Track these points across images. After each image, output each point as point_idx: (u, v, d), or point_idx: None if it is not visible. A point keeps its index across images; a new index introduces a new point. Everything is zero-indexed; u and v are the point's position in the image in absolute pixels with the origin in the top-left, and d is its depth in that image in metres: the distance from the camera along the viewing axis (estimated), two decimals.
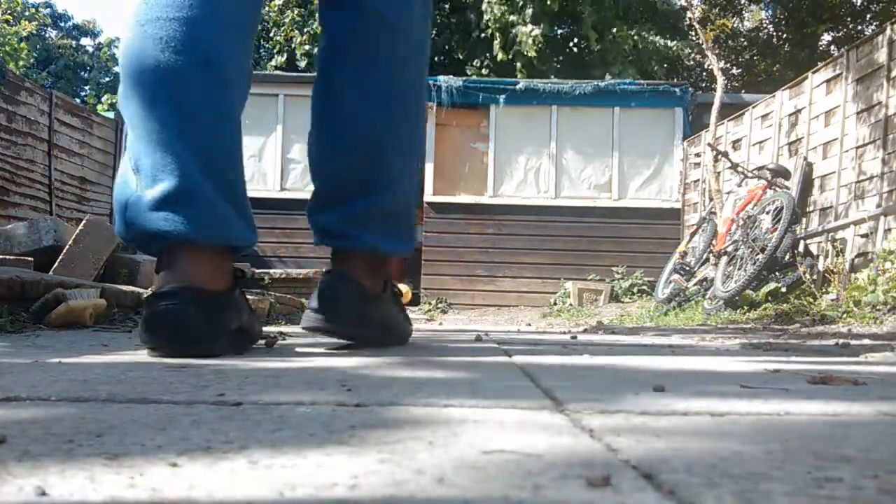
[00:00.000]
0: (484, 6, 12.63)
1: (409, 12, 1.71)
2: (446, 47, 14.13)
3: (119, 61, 1.57)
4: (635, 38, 12.21)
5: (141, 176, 1.47)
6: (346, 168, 1.75)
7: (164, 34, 1.46)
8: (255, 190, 9.43)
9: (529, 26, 12.00)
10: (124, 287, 3.47)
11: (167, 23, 1.46)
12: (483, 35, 12.99)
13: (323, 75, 1.78)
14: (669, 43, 12.37)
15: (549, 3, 12.00)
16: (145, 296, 1.74)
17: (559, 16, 12.87)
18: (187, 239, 1.44)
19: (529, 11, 12.06)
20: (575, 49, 13.82)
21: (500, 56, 12.29)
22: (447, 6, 14.24)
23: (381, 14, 1.68)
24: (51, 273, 3.40)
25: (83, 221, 3.81)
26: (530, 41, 11.91)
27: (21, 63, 13.83)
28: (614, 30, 12.33)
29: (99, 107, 18.89)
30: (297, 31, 14.58)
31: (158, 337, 1.43)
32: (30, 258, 3.55)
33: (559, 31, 13.94)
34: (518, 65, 12.31)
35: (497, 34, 12.36)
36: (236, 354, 1.52)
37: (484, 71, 13.22)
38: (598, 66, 12.57)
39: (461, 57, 13.94)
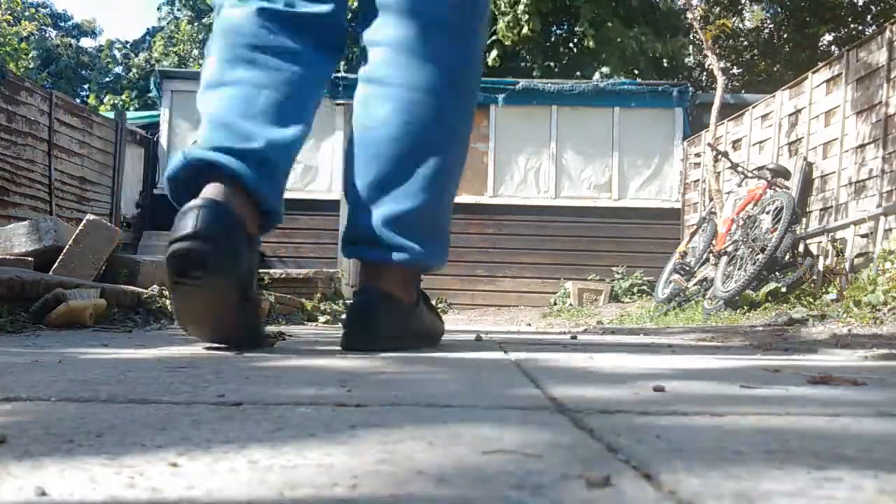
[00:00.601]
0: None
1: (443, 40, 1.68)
2: None
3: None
4: (632, 38, 12.19)
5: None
6: (393, 171, 1.68)
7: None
8: None
9: (520, 18, 11.95)
10: (124, 287, 3.47)
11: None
12: None
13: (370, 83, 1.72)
14: (667, 44, 12.35)
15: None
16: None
17: (555, 13, 12.83)
18: None
19: (521, 7, 12.00)
20: (571, 47, 13.81)
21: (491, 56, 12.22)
22: None
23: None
24: (51, 273, 3.40)
25: (83, 221, 3.81)
26: (510, 33, 11.83)
27: (22, 63, 13.83)
28: (609, 24, 12.31)
29: (101, 108, 18.88)
30: None
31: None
32: (30, 258, 3.55)
33: (558, 31, 13.93)
34: (494, 53, 12.18)
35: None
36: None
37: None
38: (589, 65, 12.55)
39: None
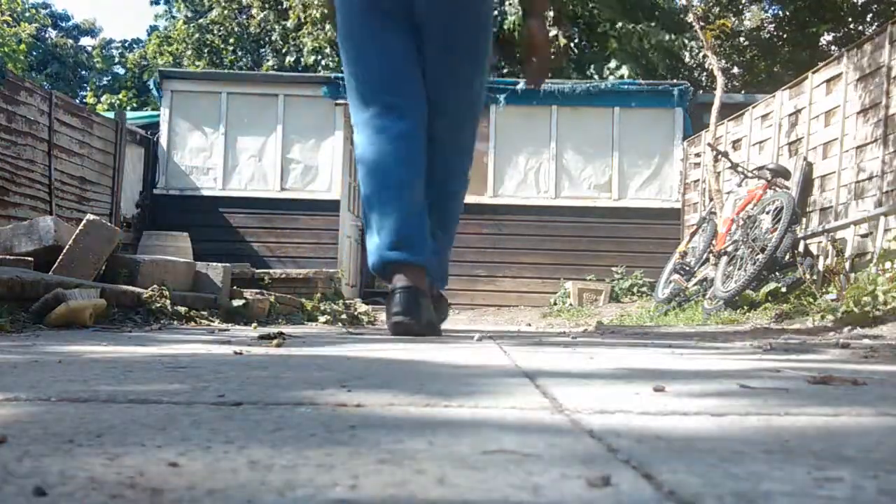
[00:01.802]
0: (507, 7, 12.87)
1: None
2: None
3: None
4: (640, 32, 12.23)
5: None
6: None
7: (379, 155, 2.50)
8: (255, 190, 9.43)
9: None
10: (124, 287, 3.47)
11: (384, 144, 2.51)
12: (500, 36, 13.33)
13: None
14: (673, 38, 12.38)
15: (569, 5, 12.18)
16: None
17: (572, 17, 12.95)
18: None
19: (550, 13, 12.23)
20: (582, 47, 13.87)
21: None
22: None
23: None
24: (51, 273, 3.40)
25: (83, 221, 3.80)
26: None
27: (19, 66, 13.84)
28: (619, 24, 12.36)
29: (98, 107, 18.87)
30: (309, 37, 14.50)
31: (407, 316, 2.38)
32: (30, 258, 3.55)
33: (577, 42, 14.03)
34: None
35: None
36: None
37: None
38: (598, 60, 12.59)
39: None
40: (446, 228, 2.76)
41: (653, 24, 12.48)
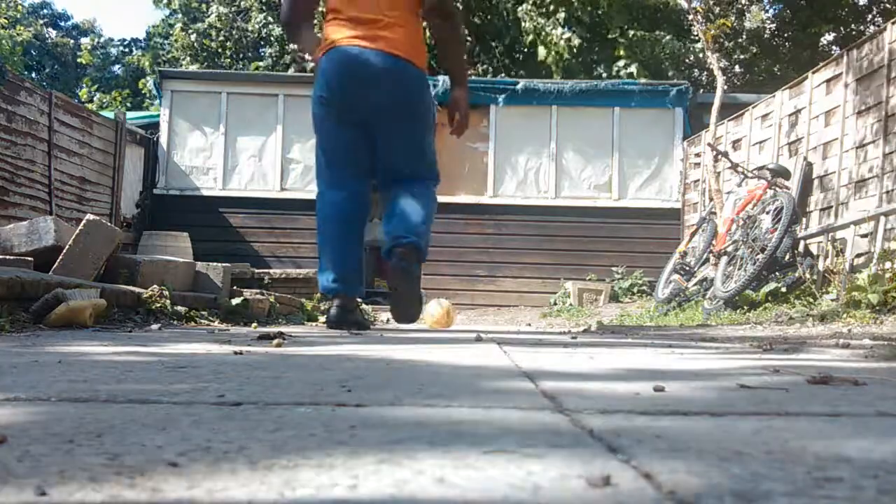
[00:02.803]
0: (521, 14, 13.01)
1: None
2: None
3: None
4: (651, 40, 12.29)
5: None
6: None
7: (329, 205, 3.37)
8: (254, 190, 9.43)
9: (560, 29, 12.34)
10: (124, 287, 3.47)
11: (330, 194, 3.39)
12: (516, 45, 13.53)
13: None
14: (681, 44, 12.43)
15: (578, 11, 12.31)
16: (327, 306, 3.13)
17: (585, 23, 13.03)
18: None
19: (562, 16, 12.35)
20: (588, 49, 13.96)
21: (541, 56, 12.60)
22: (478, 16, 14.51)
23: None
24: (51, 273, 3.40)
25: (83, 221, 3.80)
26: (562, 43, 12.22)
27: (15, 68, 13.84)
28: (631, 33, 12.43)
29: (90, 105, 18.81)
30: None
31: (338, 322, 3.27)
32: (30, 258, 3.55)
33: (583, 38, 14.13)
34: (552, 67, 12.66)
35: (536, 40, 12.71)
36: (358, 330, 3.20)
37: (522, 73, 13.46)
38: (607, 60, 12.64)
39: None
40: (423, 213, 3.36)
41: (658, 32, 12.55)
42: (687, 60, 13.50)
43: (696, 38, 10.78)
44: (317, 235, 3.38)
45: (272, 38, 16.51)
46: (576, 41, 12.38)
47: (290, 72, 14.17)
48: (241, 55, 17.50)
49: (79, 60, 25.69)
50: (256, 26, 16.82)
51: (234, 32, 17.34)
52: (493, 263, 9.54)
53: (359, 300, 3.56)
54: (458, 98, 3.58)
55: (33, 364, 1.30)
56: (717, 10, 12.42)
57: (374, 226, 4.49)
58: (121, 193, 9.33)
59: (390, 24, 3.23)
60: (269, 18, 16.17)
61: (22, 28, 21.18)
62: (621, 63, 12.47)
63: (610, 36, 12.77)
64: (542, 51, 12.61)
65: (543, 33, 12.51)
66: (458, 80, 3.63)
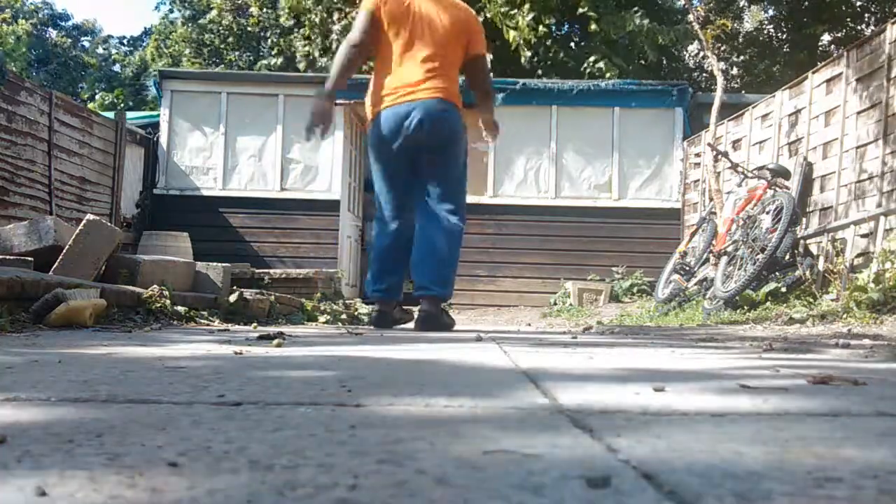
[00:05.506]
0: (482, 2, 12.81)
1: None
2: None
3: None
4: (630, 23, 12.24)
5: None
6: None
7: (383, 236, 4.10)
8: (254, 190, 9.42)
9: (529, 16, 12.19)
10: (124, 287, 3.47)
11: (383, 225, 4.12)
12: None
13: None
14: (671, 31, 12.37)
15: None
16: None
17: (558, 11, 12.91)
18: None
19: (527, 6, 12.16)
20: (571, 45, 13.87)
21: (509, 37, 12.37)
22: None
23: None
24: (51, 273, 3.40)
25: (83, 221, 3.80)
26: (527, 29, 12.08)
27: (18, 63, 13.83)
28: (611, 10, 12.39)
29: (91, 105, 18.81)
30: (301, 40, 14.47)
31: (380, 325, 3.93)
32: (30, 258, 3.55)
33: (559, 31, 13.99)
34: (521, 50, 12.42)
35: (501, 24, 12.46)
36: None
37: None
38: (595, 52, 12.60)
39: None
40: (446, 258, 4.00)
41: (636, 11, 12.47)
42: (677, 54, 13.45)
43: (693, 34, 10.75)
44: (372, 251, 4.16)
45: (269, 37, 16.51)
46: (546, 21, 12.27)
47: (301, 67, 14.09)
48: (244, 49, 17.50)
49: (87, 61, 25.70)
50: (256, 28, 16.83)
51: (235, 28, 17.35)
52: (494, 263, 9.55)
53: (397, 301, 4.26)
54: (488, 120, 4.45)
55: (33, 364, 1.30)
56: (716, 10, 12.43)
57: None
58: (121, 193, 9.33)
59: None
60: (271, 15, 16.16)
61: (23, 21, 21.18)
62: (592, 59, 12.41)
63: (579, 12, 12.72)
64: (512, 34, 12.51)
65: (508, 18, 12.40)
66: (488, 108, 4.47)
